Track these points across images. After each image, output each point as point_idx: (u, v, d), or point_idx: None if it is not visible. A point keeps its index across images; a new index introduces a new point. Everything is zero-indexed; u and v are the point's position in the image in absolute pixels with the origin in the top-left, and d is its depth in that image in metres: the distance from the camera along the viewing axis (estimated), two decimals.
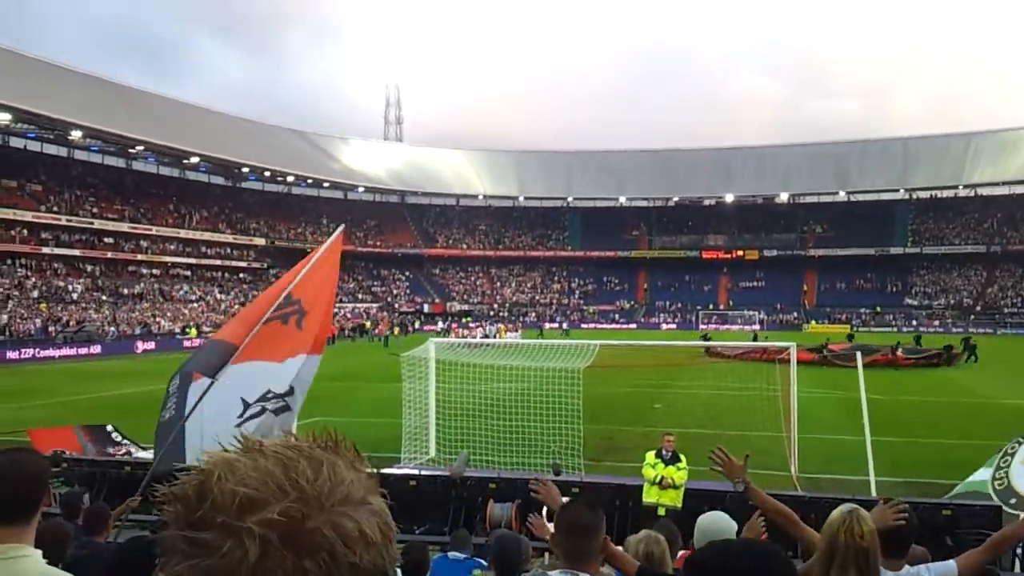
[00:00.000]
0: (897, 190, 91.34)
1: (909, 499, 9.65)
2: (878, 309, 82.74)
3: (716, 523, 5.11)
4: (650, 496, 11.32)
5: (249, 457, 0.87)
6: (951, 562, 3.99)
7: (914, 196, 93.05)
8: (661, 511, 10.70)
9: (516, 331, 65.16)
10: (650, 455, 11.65)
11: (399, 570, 5.98)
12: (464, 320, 77.59)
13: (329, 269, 8.05)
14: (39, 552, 2.61)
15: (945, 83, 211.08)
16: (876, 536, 3.27)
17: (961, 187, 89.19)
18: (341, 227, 8.89)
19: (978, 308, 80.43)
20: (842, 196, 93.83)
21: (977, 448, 18.57)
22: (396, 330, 65.23)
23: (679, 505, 11.04)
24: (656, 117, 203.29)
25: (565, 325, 75.03)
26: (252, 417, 6.70)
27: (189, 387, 6.76)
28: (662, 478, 11.26)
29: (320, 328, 7.70)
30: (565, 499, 4.15)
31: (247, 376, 6.90)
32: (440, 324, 71.29)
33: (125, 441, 16.15)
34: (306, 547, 0.82)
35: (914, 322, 78.44)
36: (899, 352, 40.69)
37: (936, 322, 77.55)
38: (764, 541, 1.84)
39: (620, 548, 4.40)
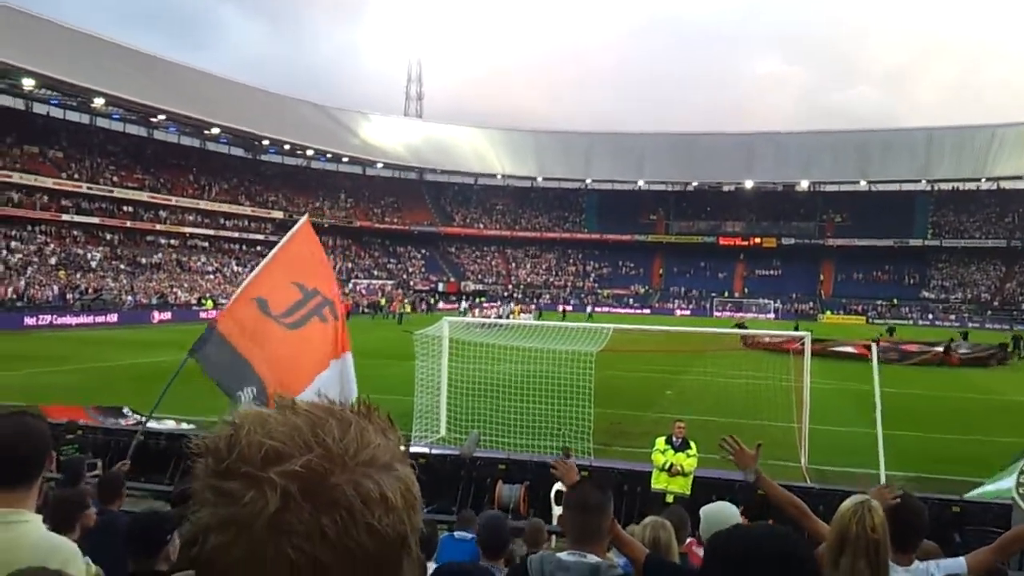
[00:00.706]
0: (919, 181, 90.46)
1: (919, 494, 9.65)
2: (895, 301, 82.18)
3: (721, 512, 5.13)
4: (659, 482, 11.35)
5: (280, 413, 0.88)
6: (961, 559, 3.99)
7: (936, 188, 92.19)
8: (669, 498, 10.73)
9: (530, 312, 65.24)
10: (660, 441, 11.67)
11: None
12: (478, 300, 77.69)
13: (319, 254, 8.50)
14: (39, 517, 2.61)
15: (971, 73, 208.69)
16: (887, 528, 3.28)
17: (984, 180, 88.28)
18: (305, 216, 9.36)
19: (995, 303, 79.76)
20: (863, 185, 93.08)
21: (989, 445, 18.54)
22: (408, 307, 65.40)
23: (688, 492, 11.07)
24: (678, 101, 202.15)
25: (589, 309, 74.30)
26: None
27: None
28: (671, 465, 11.29)
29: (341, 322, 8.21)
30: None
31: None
32: (463, 304, 71.24)
33: (137, 416, 16.26)
34: (325, 502, 0.82)
35: (930, 315, 77.97)
36: (954, 351, 38.76)
37: (952, 316, 76.99)
38: (785, 528, 1.84)
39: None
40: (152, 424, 15.19)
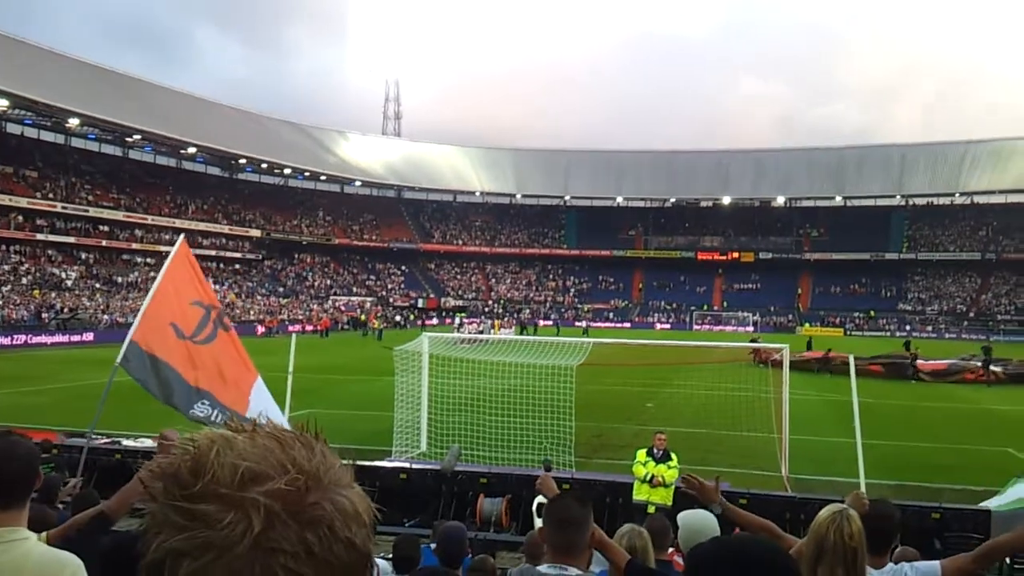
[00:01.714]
0: (894, 196, 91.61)
1: (899, 501, 9.67)
2: (872, 314, 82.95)
3: (698, 519, 5.13)
4: (640, 494, 11.33)
5: (246, 436, 0.88)
6: (935, 563, 3.98)
7: (910, 202, 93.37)
8: (651, 508, 10.70)
9: (510, 327, 65.16)
10: (641, 453, 11.66)
11: (391, 562, 5.97)
12: (458, 316, 77.60)
13: (198, 270, 9.39)
14: (35, 535, 2.62)
15: (944, 92, 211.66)
16: (864, 536, 3.27)
17: (957, 195, 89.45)
18: (182, 237, 10.18)
19: (971, 315, 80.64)
20: (839, 201, 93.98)
21: (966, 453, 18.69)
22: (378, 323, 65.36)
23: (669, 503, 11.04)
24: (656, 119, 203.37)
25: (584, 323, 74.24)
26: None
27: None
28: (652, 476, 11.28)
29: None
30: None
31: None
32: (459, 318, 71.18)
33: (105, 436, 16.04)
34: (308, 520, 0.83)
35: (907, 327, 78.65)
36: (998, 369, 35.60)
37: (929, 327, 77.80)
38: (766, 539, 1.82)
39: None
40: (129, 443, 15.06)
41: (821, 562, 3.20)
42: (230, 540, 0.80)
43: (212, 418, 8.45)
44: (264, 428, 0.90)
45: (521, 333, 55.88)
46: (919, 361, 36.60)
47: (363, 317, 70.65)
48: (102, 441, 15.18)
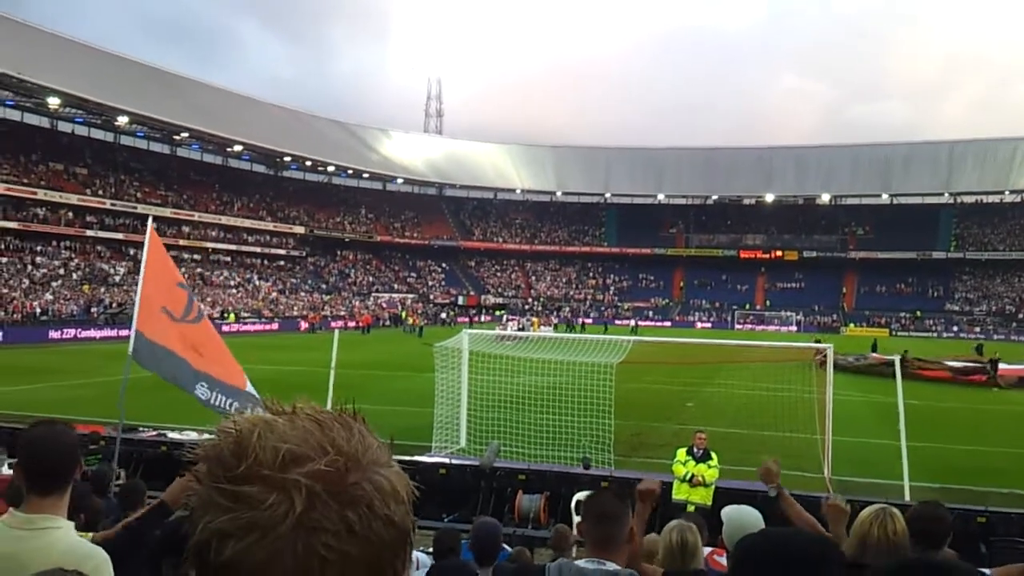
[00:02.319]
0: (941, 194, 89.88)
1: (945, 504, 9.54)
2: (918, 314, 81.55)
3: (743, 514, 5.11)
4: (680, 493, 11.29)
5: (285, 418, 0.90)
6: (987, 571, 3.94)
7: (959, 200, 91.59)
8: (690, 508, 10.66)
9: (549, 325, 65.15)
10: (681, 452, 11.63)
11: (430, 556, 6.04)
12: (499, 314, 77.78)
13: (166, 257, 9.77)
14: (71, 524, 2.66)
15: (993, 87, 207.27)
16: (908, 536, 3.26)
17: (1007, 192, 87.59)
18: (151, 221, 10.52)
19: (1020, 316, 78.96)
20: (885, 199, 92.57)
21: (1014, 456, 18.33)
22: (411, 319, 65.91)
23: (708, 503, 11.00)
24: (696, 116, 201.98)
25: (633, 323, 73.58)
26: None
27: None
28: (692, 476, 11.24)
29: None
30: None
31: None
32: (504, 315, 71.36)
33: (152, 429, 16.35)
34: (349, 499, 0.86)
35: (955, 328, 77.31)
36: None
37: (977, 328, 76.35)
38: (815, 532, 1.82)
39: (646, 562, 4.41)
40: (175, 435, 15.34)
41: (865, 558, 3.20)
42: (273, 520, 0.82)
43: (213, 401, 8.74)
44: (304, 410, 0.92)
45: (569, 331, 55.82)
46: (1001, 367, 33.81)
47: (403, 314, 71.13)
48: (149, 434, 15.49)
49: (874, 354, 37.81)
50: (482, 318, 76.23)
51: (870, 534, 3.25)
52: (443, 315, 76.88)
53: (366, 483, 0.88)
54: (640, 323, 75.25)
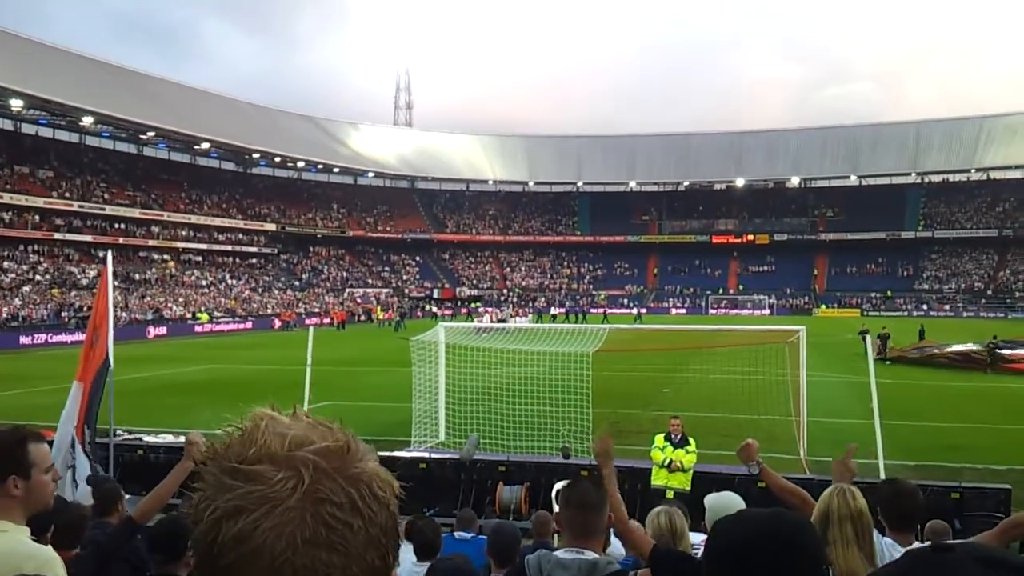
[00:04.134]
0: (909, 174, 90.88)
1: (918, 481, 9.67)
2: (889, 293, 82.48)
3: (725, 500, 5.16)
4: (658, 479, 11.37)
5: (287, 416, 0.98)
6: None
7: (926, 180, 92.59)
8: (669, 494, 10.73)
9: (525, 316, 65.19)
10: (659, 438, 11.69)
11: (412, 547, 6.04)
12: (474, 305, 77.71)
13: (103, 298, 9.89)
14: (19, 527, 2.61)
15: (958, 67, 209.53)
16: (866, 507, 3.37)
17: (973, 171, 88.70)
18: (108, 252, 10.65)
19: (989, 292, 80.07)
20: (853, 180, 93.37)
21: (986, 432, 18.62)
22: (379, 314, 65.87)
23: (687, 488, 11.08)
24: (669, 102, 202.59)
25: (635, 310, 72.44)
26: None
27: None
28: (670, 461, 11.31)
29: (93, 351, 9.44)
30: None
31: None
32: (483, 307, 71.00)
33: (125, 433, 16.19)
34: (351, 476, 0.93)
35: (924, 306, 78.24)
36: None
37: (947, 307, 77.35)
38: (793, 513, 1.83)
39: (637, 524, 4.44)
40: (150, 439, 15.23)
41: (830, 527, 3.28)
42: (283, 493, 0.88)
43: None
44: (301, 414, 0.99)
45: (577, 321, 55.77)
46: (1006, 351, 31.77)
47: (379, 312, 70.74)
48: (124, 437, 15.36)
49: (957, 347, 34.02)
50: (477, 309, 76.12)
51: (830, 505, 3.34)
52: (434, 309, 76.03)
53: (365, 466, 0.95)
54: (642, 311, 74.64)
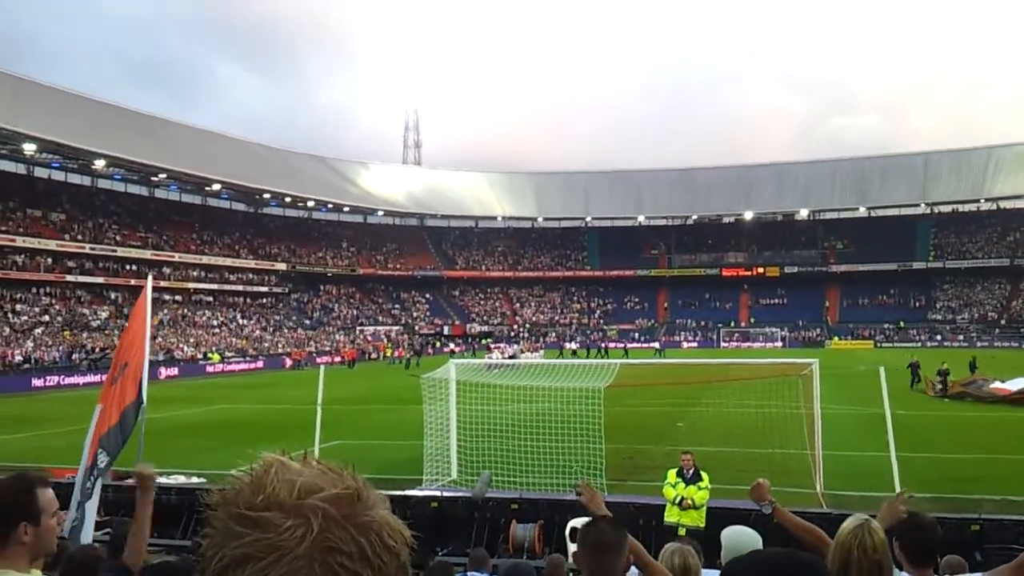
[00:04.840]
0: (918, 205, 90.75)
1: (937, 514, 9.54)
2: (902, 324, 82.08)
3: (742, 536, 5.09)
4: (671, 516, 11.20)
5: (298, 462, 0.97)
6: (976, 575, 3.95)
7: (935, 210, 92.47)
8: (681, 531, 10.58)
9: (537, 351, 65.00)
10: (671, 474, 11.55)
11: None
12: (485, 341, 77.57)
13: (139, 323, 9.10)
14: (18, 574, 2.60)
15: (965, 97, 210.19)
16: (887, 547, 3.28)
17: (983, 200, 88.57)
18: (149, 277, 9.98)
19: (1003, 322, 79.57)
20: (863, 212, 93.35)
21: (1004, 463, 18.38)
22: (390, 352, 65.71)
23: (701, 525, 10.91)
24: (673, 135, 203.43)
25: (657, 345, 71.80)
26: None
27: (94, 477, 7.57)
28: (682, 499, 11.16)
29: (129, 379, 8.53)
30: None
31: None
32: (492, 343, 70.74)
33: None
34: (361, 525, 0.91)
35: (938, 337, 77.78)
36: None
37: (960, 336, 76.86)
38: (808, 553, 1.79)
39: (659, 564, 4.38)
40: (162, 480, 15.16)
41: (848, 567, 3.21)
42: (292, 542, 0.87)
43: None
44: (311, 460, 0.98)
45: (598, 356, 55.17)
46: None
47: (388, 350, 70.69)
48: (134, 479, 15.29)
49: (975, 375, 34.24)
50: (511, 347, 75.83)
51: (850, 553, 3.25)
52: (452, 346, 75.31)
53: (375, 513, 0.94)
54: (628, 345, 74.87)
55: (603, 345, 71.30)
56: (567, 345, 76.75)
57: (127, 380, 8.22)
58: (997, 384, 31.41)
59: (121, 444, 7.75)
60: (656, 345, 70.95)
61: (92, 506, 7.35)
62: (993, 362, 42.45)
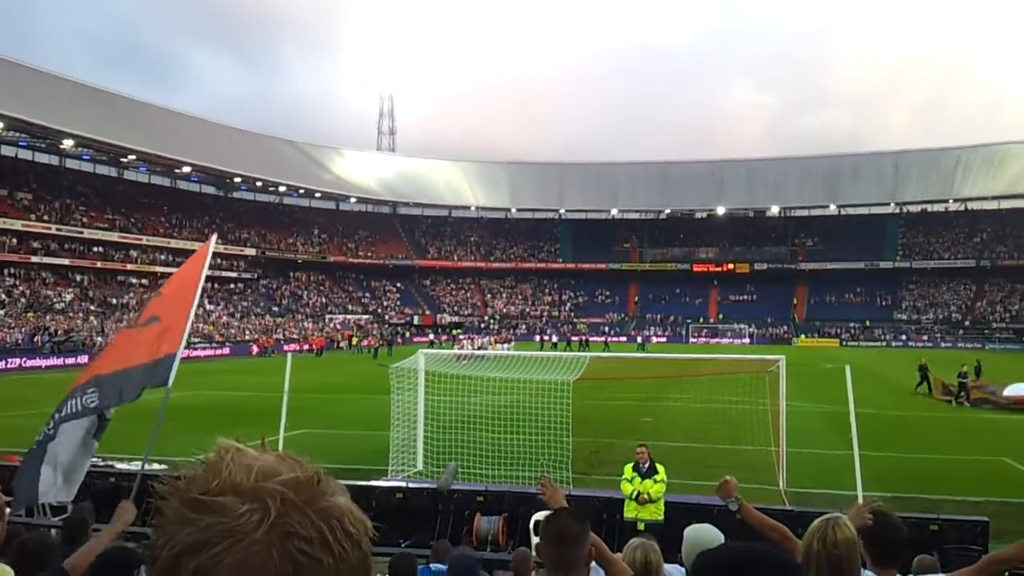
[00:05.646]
0: (887, 204, 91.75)
1: (896, 513, 9.63)
2: (868, 323, 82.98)
3: (705, 533, 5.09)
4: (630, 511, 11.24)
5: (253, 448, 0.94)
6: None
7: (904, 210, 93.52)
8: (640, 526, 10.62)
9: (509, 343, 64.87)
10: (628, 469, 11.59)
11: None
12: (454, 332, 77.41)
13: (191, 277, 7.78)
14: None
15: (935, 97, 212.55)
16: (853, 545, 3.27)
17: (951, 201, 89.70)
18: (213, 236, 8.56)
19: (967, 323, 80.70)
20: (833, 210, 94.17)
21: (963, 464, 18.63)
22: (356, 340, 64.89)
23: (660, 518, 10.96)
24: (648, 128, 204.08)
25: (639, 340, 72.16)
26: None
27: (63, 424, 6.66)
28: (638, 493, 11.20)
29: (172, 331, 7.10)
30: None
31: (105, 386, 6.71)
32: (462, 335, 70.52)
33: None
34: (322, 510, 0.88)
35: (903, 336, 78.73)
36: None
37: (925, 337, 77.84)
38: (775, 546, 1.78)
39: (618, 557, 4.39)
40: (120, 466, 14.97)
41: (810, 571, 3.21)
42: (248, 526, 0.83)
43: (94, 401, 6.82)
44: (268, 448, 0.95)
45: (579, 350, 55.02)
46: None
47: (355, 339, 70.34)
48: (97, 463, 15.09)
49: (980, 380, 32.78)
50: (440, 338, 75.74)
51: (811, 547, 3.27)
52: (431, 336, 75.35)
53: (336, 501, 0.90)
54: (609, 339, 74.85)
55: (584, 338, 70.96)
56: (547, 338, 76.26)
57: (148, 334, 7.01)
58: (1013, 390, 29.92)
59: (116, 399, 6.62)
60: (639, 340, 71.13)
61: (62, 446, 6.54)
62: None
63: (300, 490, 0.87)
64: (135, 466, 14.78)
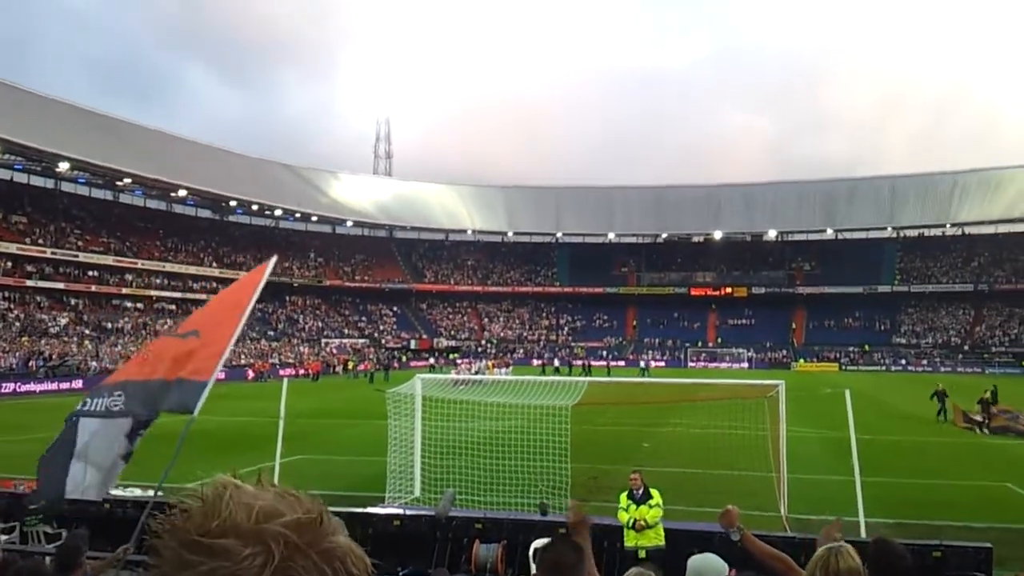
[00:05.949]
0: (884, 228, 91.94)
1: (899, 540, 9.49)
2: (866, 348, 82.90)
3: (708, 563, 5.04)
4: (629, 540, 11.07)
5: (252, 485, 0.92)
6: None
7: (901, 234, 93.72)
8: (642, 553, 10.47)
9: (507, 367, 64.62)
10: (623, 497, 11.46)
11: None
12: (452, 356, 77.20)
13: (241, 300, 7.39)
14: None
15: (932, 121, 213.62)
16: (856, 573, 3.23)
17: (948, 225, 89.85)
18: (274, 258, 8.22)
19: (966, 347, 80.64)
20: (830, 234, 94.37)
21: (966, 489, 18.48)
22: (352, 364, 64.57)
23: (661, 544, 10.81)
24: (644, 151, 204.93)
25: (642, 364, 71.26)
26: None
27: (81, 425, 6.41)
28: (634, 521, 11.05)
29: (209, 352, 6.79)
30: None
31: (137, 393, 6.38)
32: (460, 359, 70.28)
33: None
34: (324, 551, 0.87)
35: (903, 361, 78.64)
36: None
37: (924, 361, 77.76)
38: (783, 568, 1.70)
39: None
40: (117, 492, 14.76)
41: None
42: (251, 571, 0.81)
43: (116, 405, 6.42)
44: (267, 483, 0.93)
45: (582, 374, 54.52)
46: None
47: (351, 363, 70.09)
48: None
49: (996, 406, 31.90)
50: (439, 362, 75.52)
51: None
52: (431, 361, 74.90)
53: (338, 541, 0.89)
54: (605, 364, 74.69)
55: (586, 363, 70.73)
56: (547, 363, 75.86)
57: (182, 347, 6.62)
58: None
59: (139, 410, 6.24)
60: (642, 364, 70.82)
61: (93, 445, 6.13)
62: (967, 390, 42.87)
63: (303, 532, 0.86)
64: (129, 493, 14.60)
